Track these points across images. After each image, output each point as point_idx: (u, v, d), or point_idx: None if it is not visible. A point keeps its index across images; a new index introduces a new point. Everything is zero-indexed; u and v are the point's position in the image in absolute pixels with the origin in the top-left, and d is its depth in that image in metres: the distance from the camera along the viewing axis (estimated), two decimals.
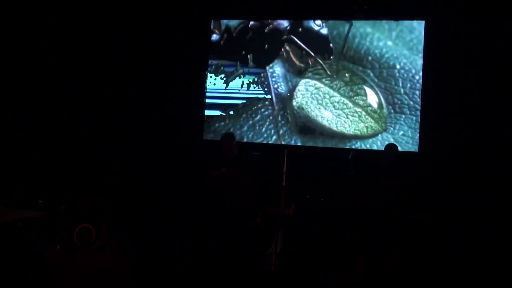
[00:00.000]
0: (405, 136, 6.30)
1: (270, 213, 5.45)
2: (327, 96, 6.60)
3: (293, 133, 6.72)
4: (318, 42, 6.69)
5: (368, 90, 6.46)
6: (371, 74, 6.46)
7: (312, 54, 6.69)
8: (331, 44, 6.63)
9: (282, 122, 6.79)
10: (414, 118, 6.29)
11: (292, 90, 6.77)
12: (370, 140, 6.43)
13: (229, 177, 5.04)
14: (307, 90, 6.70)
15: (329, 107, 6.59)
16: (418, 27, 6.29)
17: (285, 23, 6.84)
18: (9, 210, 4.98)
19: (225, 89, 7.07)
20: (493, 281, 4.64)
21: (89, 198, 5.71)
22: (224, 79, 7.08)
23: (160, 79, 7.21)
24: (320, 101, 6.63)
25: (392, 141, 6.17)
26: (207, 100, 7.14)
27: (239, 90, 7.02)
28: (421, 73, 6.27)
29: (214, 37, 7.12)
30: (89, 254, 5.37)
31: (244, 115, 6.96)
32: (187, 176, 5.99)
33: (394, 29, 6.39)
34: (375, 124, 6.43)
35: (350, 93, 6.53)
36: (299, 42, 6.76)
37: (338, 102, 6.56)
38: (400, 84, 6.36)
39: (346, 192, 5.59)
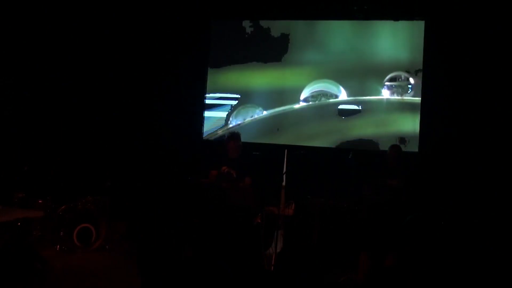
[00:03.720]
0: (405, 136, 6.30)
1: (270, 213, 5.46)
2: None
3: None
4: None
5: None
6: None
7: None
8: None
9: None
10: (414, 118, 6.29)
11: None
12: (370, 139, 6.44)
13: (229, 176, 5.04)
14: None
15: None
16: (418, 27, 6.29)
17: None
18: (9, 210, 4.98)
19: None
20: (493, 281, 4.64)
21: (89, 198, 5.71)
22: None
23: (160, 79, 7.21)
24: None
25: (392, 140, 6.18)
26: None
27: None
28: (421, 73, 6.27)
29: None
30: (89, 254, 5.38)
31: None
32: (187, 176, 5.99)
33: (394, 29, 6.40)
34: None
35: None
36: None
37: None
38: (401, 82, 6.36)
39: (348, 192, 5.57)
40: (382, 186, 4.97)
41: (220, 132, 7.06)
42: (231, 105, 7.05)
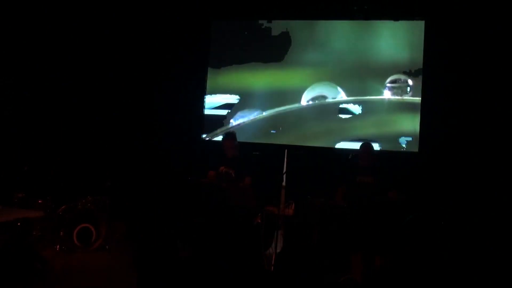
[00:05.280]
0: (405, 136, 6.30)
1: (270, 213, 5.46)
2: None
3: None
4: None
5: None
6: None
7: None
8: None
9: None
10: (414, 118, 6.29)
11: None
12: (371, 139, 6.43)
13: (228, 176, 5.04)
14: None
15: None
16: (418, 27, 6.29)
17: None
18: (9, 210, 4.98)
19: None
20: (492, 281, 4.64)
21: (89, 198, 5.71)
22: None
23: (160, 79, 7.21)
24: None
25: (392, 140, 6.19)
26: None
27: None
28: (421, 73, 6.27)
29: None
30: (89, 254, 5.38)
31: None
32: (187, 176, 5.99)
33: (394, 29, 6.40)
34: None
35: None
36: None
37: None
38: (401, 84, 6.36)
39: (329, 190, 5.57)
40: (357, 185, 4.98)
41: (220, 132, 7.05)
42: (231, 105, 7.04)
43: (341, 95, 6.57)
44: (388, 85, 6.38)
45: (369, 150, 5.22)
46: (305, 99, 6.70)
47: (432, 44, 6.17)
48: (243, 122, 6.98)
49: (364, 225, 4.84)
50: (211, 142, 7.07)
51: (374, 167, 5.12)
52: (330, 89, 6.61)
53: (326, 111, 6.64)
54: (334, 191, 5.23)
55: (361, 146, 5.31)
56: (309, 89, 6.70)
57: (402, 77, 6.34)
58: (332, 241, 5.55)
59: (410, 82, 6.31)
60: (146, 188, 6.84)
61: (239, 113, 7.01)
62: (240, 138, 5.51)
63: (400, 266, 4.82)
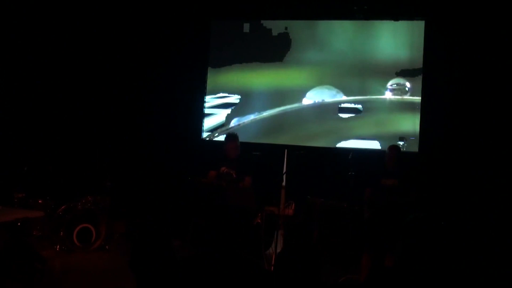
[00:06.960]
0: (405, 136, 6.30)
1: (270, 213, 5.46)
2: None
3: None
4: None
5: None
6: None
7: None
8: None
9: None
10: (414, 118, 6.28)
11: None
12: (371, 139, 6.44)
13: (229, 176, 5.04)
14: None
15: None
16: (418, 27, 6.28)
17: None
18: (9, 210, 4.98)
19: None
20: (493, 281, 4.64)
21: (89, 198, 5.71)
22: None
23: (160, 79, 7.21)
24: None
25: (392, 140, 6.18)
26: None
27: None
28: (421, 73, 6.27)
29: None
30: (89, 254, 5.38)
31: None
32: (187, 176, 6.00)
33: (394, 29, 6.40)
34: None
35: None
36: None
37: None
38: (400, 86, 6.36)
39: (347, 192, 5.56)
40: (381, 187, 4.97)
41: (220, 132, 7.06)
42: (231, 105, 7.04)
43: (341, 95, 6.57)
44: (388, 87, 6.39)
45: (397, 154, 5.21)
46: (306, 102, 6.71)
47: (432, 44, 6.17)
48: (243, 122, 6.98)
49: (384, 227, 4.80)
50: (211, 142, 7.07)
51: (397, 169, 5.12)
52: (330, 93, 6.61)
53: (326, 111, 6.64)
54: (359, 188, 5.19)
55: (389, 149, 5.30)
56: (310, 92, 6.69)
57: (401, 81, 6.34)
58: (332, 241, 5.56)
59: (408, 84, 6.32)
60: (146, 188, 6.84)
61: (239, 113, 7.01)
62: (240, 138, 5.50)
63: (400, 266, 4.82)
